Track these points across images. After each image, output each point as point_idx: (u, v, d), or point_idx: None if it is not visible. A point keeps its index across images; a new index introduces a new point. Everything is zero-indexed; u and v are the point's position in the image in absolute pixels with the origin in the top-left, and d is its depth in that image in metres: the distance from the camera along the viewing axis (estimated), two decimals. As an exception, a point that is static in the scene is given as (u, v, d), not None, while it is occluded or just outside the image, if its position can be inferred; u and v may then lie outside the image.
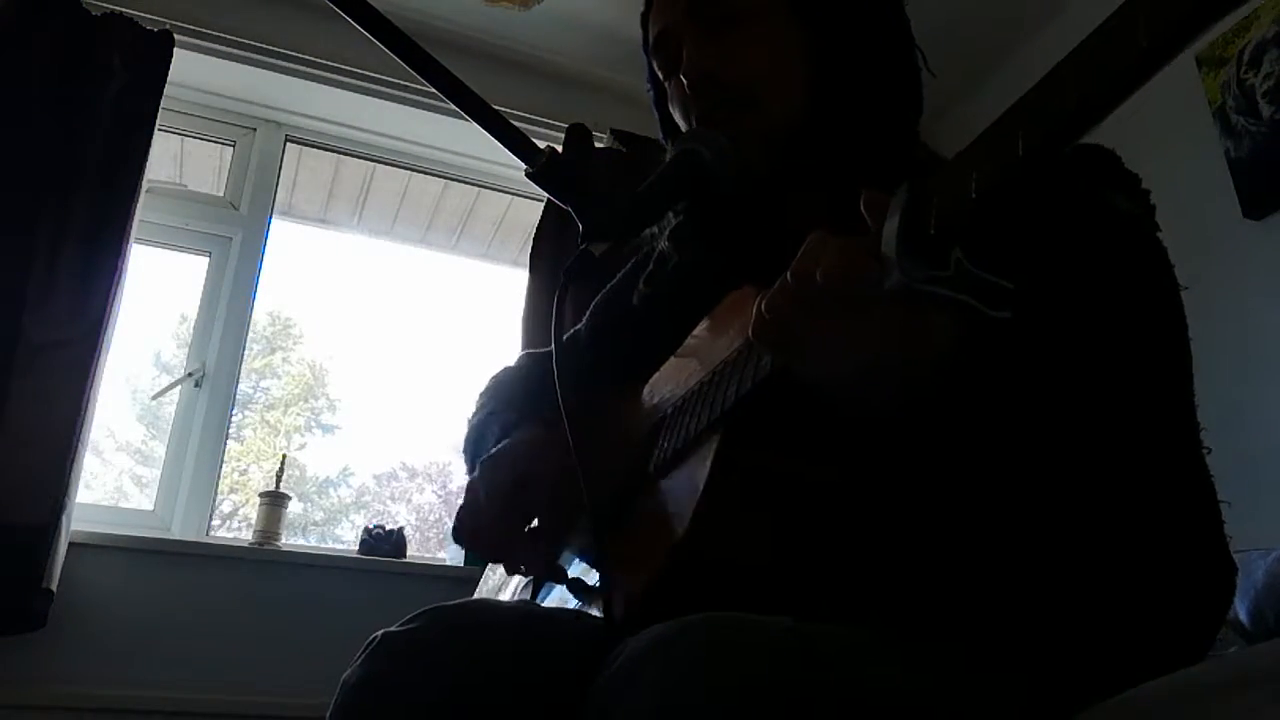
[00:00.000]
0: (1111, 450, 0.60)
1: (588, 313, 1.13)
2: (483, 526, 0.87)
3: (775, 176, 0.85)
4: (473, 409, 1.12)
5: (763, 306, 0.57)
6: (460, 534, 0.88)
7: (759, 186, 0.85)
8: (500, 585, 1.08)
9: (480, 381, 1.18)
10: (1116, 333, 0.65)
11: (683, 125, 0.91)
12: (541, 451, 0.90)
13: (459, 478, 4.27)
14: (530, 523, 0.90)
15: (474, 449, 1.06)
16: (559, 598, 0.90)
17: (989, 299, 0.48)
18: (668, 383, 0.91)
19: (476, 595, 1.15)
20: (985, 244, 0.51)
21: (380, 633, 0.68)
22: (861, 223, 0.54)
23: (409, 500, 4.63)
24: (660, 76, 0.93)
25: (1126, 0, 0.40)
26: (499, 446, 0.94)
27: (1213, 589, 0.64)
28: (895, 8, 0.88)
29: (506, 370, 1.18)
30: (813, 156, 0.83)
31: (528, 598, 0.98)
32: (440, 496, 4.46)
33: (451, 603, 0.71)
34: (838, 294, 0.53)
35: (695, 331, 0.89)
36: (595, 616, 0.74)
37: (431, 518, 4.44)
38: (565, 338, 1.13)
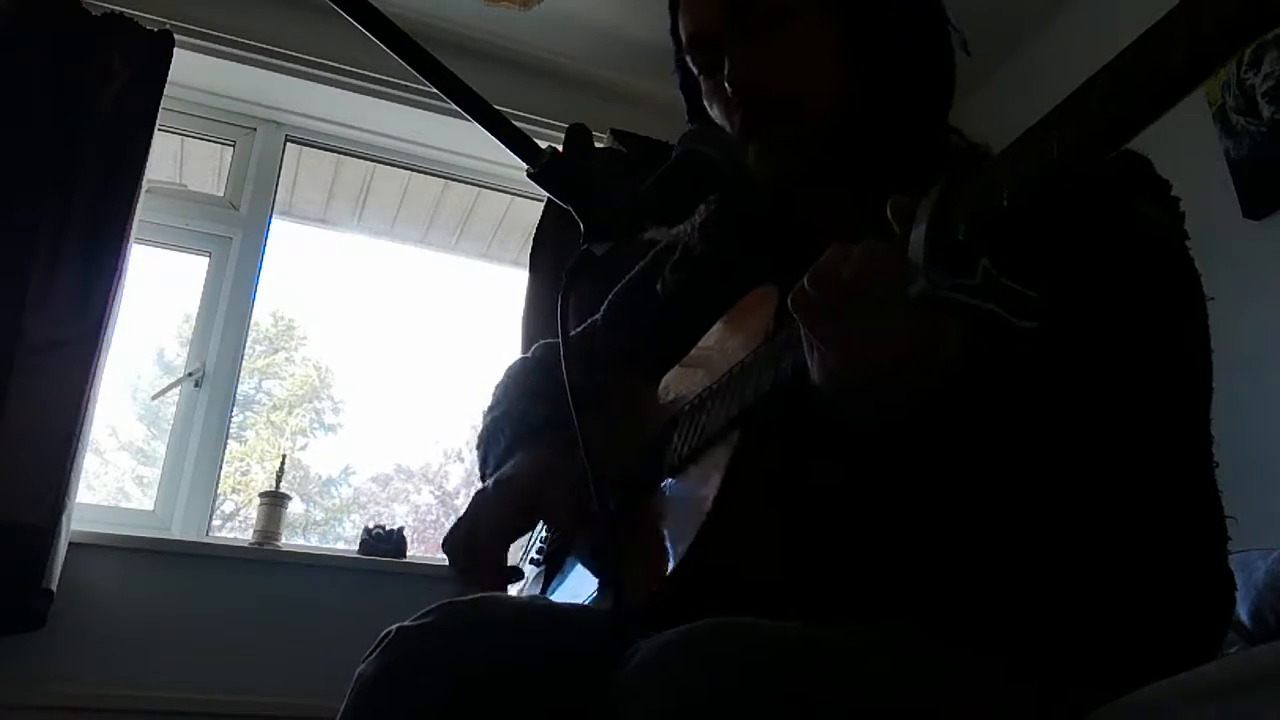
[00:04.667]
0: (1118, 462, 0.60)
1: (605, 304, 1.13)
2: (473, 551, 0.87)
3: (810, 176, 0.84)
4: (488, 403, 1.12)
5: (790, 302, 0.57)
6: (451, 547, 0.88)
7: (792, 186, 0.85)
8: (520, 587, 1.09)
9: (481, 381, 1.18)
10: (1134, 345, 0.64)
11: (723, 123, 0.89)
12: (551, 477, 0.90)
13: (454, 479, 4.28)
14: (515, 539, 0.91)
15: (486, 448, 1.06)
16: (573, 582, 0.90)
17: (1014, 308, 0.47)
18: (684, 379, 0.90)
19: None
20: (1013, 252, 0.51)
21: (395, 627, 0.69)
22: (888, 220, 0.53)
23: (407, 500, 4.63)
24: (694, 69, 0.92)
25: (1167, 13, 0.39)
26: (511, 468, 0.94)
27: (1212, 605, 0.65)
28: None
29: (523, 361, 1.17)
30: (848, 153, 0.82)
31: (538, 592, 0.98)
32: (437, 497, 4.46)
33: (465, 598, 0.71)
34: (860, 297, 0.53)
35: (713, 329, 0.89)
36: (609, 613, 0.74)
37: (429, 518, 4.44)
38: (581, 328, 1.13)
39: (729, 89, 0.83)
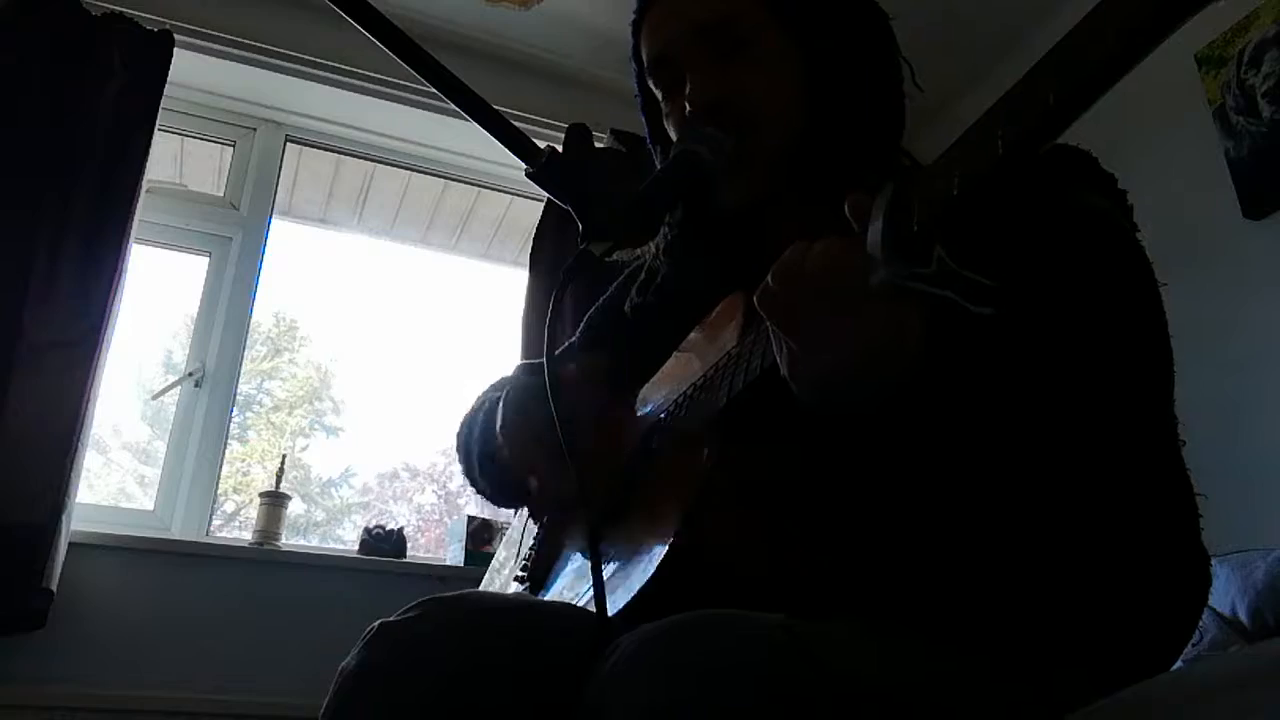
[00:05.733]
0: (1086, 447, 0.60)
1: (581, 324, 1.14)
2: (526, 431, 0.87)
3: (772, 191, 0.85)
4: (466, 410, 1.13)
5: (756, 300, 0.58)
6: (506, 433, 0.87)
7: (758, 203, 0.86)
8: (505, 583, 1.09)
9: (481, 383, 1.18)
10: (1089, 329, 0.65)
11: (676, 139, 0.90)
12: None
13: (457, 479, 4.28)
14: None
15: (467, 441, 1.06)
16: (558, 593, 0.90)
17: (971, 295, 0.48)
18: (661, 388, 0.91)
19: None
20: (966, 242, 0.52)
21: (378, 622, 0.69)
22: (850, 233, 0.54)
23: (410, 500, 4.63)
24: (654, 90, 0.94)
25: (1097, 4, 0.41)
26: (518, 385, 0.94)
27: (1187, 581, 0.65)
28: (882, 24, 0.89)
29: (501, 379, 1.18)
30: (809, 172, 0.83)
31: (528, 593, 0.98)
32: (440, 496, 4.47)
33: (450, 593, 0.71)
34: (823, 290, 0.54)
35: (688, 339, 0.89)
36: (593, 611, 0.74)
37: (433, 517, 4.44)
38: (560, 350, 1.14)
39: (688, 109, 0.84)
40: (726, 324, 0.82)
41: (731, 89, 0.84)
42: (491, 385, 1.16)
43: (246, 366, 2.73)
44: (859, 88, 0.84)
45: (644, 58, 0.93)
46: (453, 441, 1.12)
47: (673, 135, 0.92)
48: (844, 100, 0.83)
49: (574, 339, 1.14)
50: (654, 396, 0.92)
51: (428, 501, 4.58)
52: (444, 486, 4.45)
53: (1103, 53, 0.41)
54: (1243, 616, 1.38)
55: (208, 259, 2.59)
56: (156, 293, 2.78)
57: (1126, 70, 0.41)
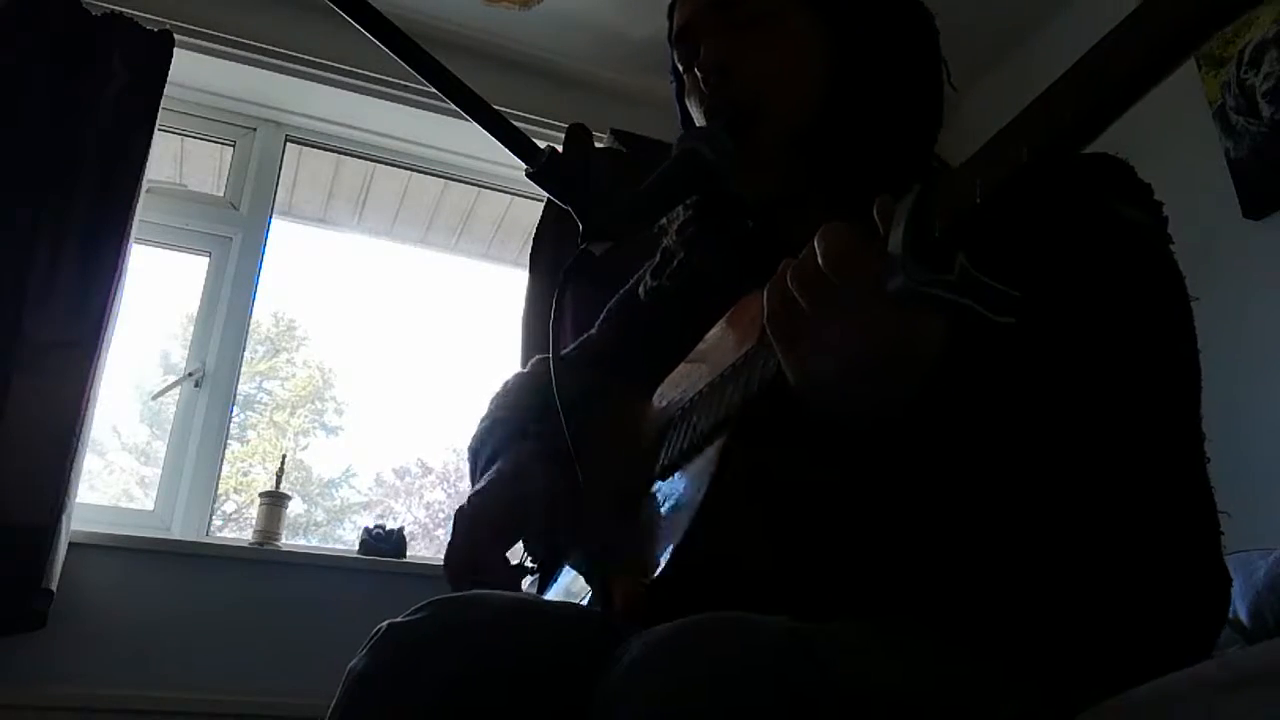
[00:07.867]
0: (1109, 459, 0.60)
1: (602, 315, 1.13)
2: (462, 561, 0.88)
3: (787, 183, 0.85)
4: (483, 414, 1.13)
5: (766, 295, 0.57)
6: (455, 570, 0.88)
7: (770, 195, 0.85)
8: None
9: (481, 382, 1.19)
10: (1117, 341, 0.64)
11: (696, 118, 0.90)
12: (528, 473, 0.92)
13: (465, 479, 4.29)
14: (515, 543, 0.92)
15: (474, 457, 1.06)
16: (565, 591, 0.91)
17: (992, 304, 0.48)
18: (677, 386, 0.91)
19: None
20: (990, 249, 0.51)
21: (386, 623, 0.68)
22: (874, 231, 0.54)
23: (420, 497, 4.64)
24: (680, 69, 0.94)
25: (1131, 12, 0.40)
26: (487, 480, 0.95)
27: (1207, 600, 0.64)
28: (924, 19, 0.88)
29: (518, 376, 1.18)
30: (825, 163, 0.82)
31: (535, 592, 0.98)
32: (449, 494, 4.47)
33: (458, 594, 0.71)
34: (840, 282, 0.53)
35: (706, 336, 0.89)
36: (601, 611, 0.74)
37: (440, 516, 4.44)
38: (577, 342, 1.14)
39: (699, 75, 0.84)
40: (748, 322, 0.81)
41: (741, 55, 0.83)
42: (502, 389, 1.16)
43: (246, 366, 2.72)
44: (888, 78, 0.82)
45: (672, 35, 0.93)
46: (459, 439, 1.12)
47: (690, 108, 0.92)
48: (869, 89, 0.81)
49: (591, 332, 1.13)
50: (672, 392, 0.91)
51: (437, 499, 4.58)
52: (454, 485, 4.45)
53: (1134, 60, 0.40)
54: (1243, 616, 1.38)
55: (208, 259, 2.58)
56: (156, 293, 2.78)
57: (1155, 83, 0.40)
